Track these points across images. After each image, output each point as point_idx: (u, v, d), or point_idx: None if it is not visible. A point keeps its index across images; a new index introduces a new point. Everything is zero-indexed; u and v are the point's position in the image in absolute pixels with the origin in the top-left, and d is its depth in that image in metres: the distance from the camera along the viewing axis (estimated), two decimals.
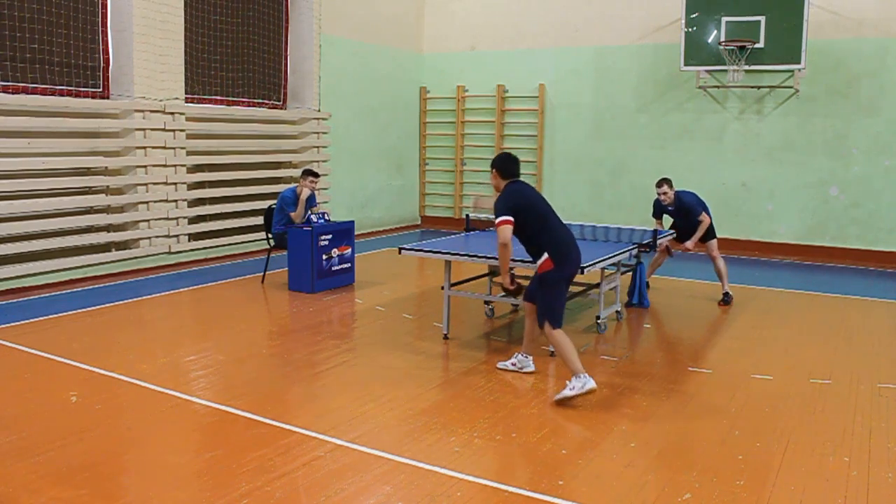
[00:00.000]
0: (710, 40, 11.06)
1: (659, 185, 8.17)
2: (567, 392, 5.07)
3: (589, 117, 12.80)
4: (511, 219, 5.32)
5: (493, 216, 5.43)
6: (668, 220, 8.56)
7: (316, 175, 8.77)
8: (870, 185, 10.96)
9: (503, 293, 6.26)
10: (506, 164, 5.56)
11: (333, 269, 8.57)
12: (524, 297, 5.80)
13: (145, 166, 9.25)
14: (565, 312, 5.85)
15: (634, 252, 7.25)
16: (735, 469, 4.17)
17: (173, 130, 9.49)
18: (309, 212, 8.67)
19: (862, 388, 5.54)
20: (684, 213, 8.18)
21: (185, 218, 9.80)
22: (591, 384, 5.05)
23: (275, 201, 8.89)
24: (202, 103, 10.23)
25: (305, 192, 8.59)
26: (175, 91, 9.55)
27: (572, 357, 5.16)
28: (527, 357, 5.77)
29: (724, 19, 10.90)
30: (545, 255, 5.32)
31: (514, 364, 5.76)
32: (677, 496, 3.84)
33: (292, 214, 8.62)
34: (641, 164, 12.37)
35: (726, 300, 8.17)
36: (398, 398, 5.15)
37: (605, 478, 4.05)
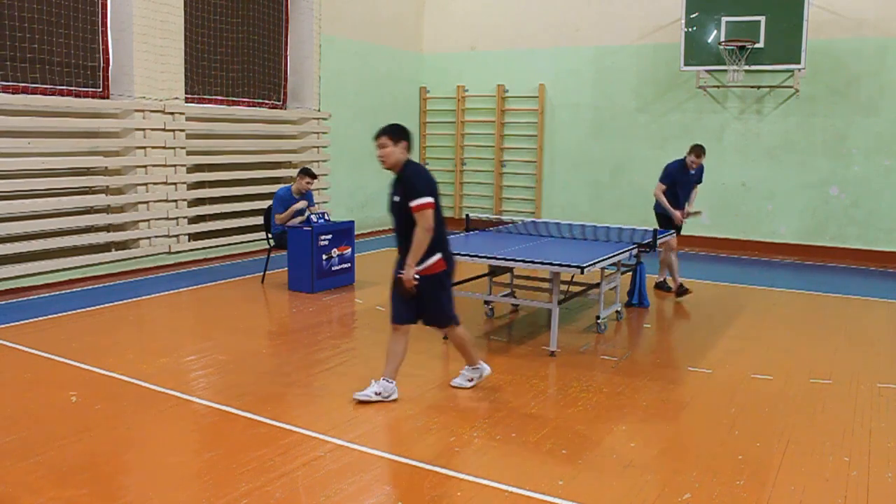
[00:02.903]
0: (709, 40, 11.06)
1: (698, 153, 8.43)
2: (466, 383, 5.37)
3: (589, 117, 12.80)
4: (434, 202, 4.84)
5: (399, 199, 4.88)
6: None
7: (314, 176, 8.71)
8: (870, 185, 10.95)
9: (397, 291, 4.99)
10: (411, 137, 4.99)
11: (333, 269, 8.57)
12: (397, 319, 5.06)
13: (145, 166, 9.25)
14: (561, 312, 5.85)
15: (634, 252, 7.25)
16: (735, 469, 4.17)
17: (173, 130, 9.49)
18: (308, 212, 8.66)
19: (862, 388, 5.54)
20: (698, 177, 8.69)
21: (184, 218, 9.80)
22: (488, 371, 5.44)
23: None
24: (202, 103, 10.23)
25: (300, 204, 8.52)
26: (175, 91, 9.55)
27: (471, 349, 5.34)
28: (475, 368, 5.41)
29: (724, 19, 10.90)
30: (438, 256, 4.92)
31: (470, 381, 5.40)
32: (677, 496, 3.84)
33: (277, 216, 8.54)
34: (641, 163, 12.37)
35: (683, 291, 8.43)
36: (398, 398, 5.15)
37: (605, 478, 4.05)
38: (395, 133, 4.89)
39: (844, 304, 8.42)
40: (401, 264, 4.95)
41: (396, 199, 4.92)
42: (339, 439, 4.45)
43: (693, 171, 8.51)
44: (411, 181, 4.85)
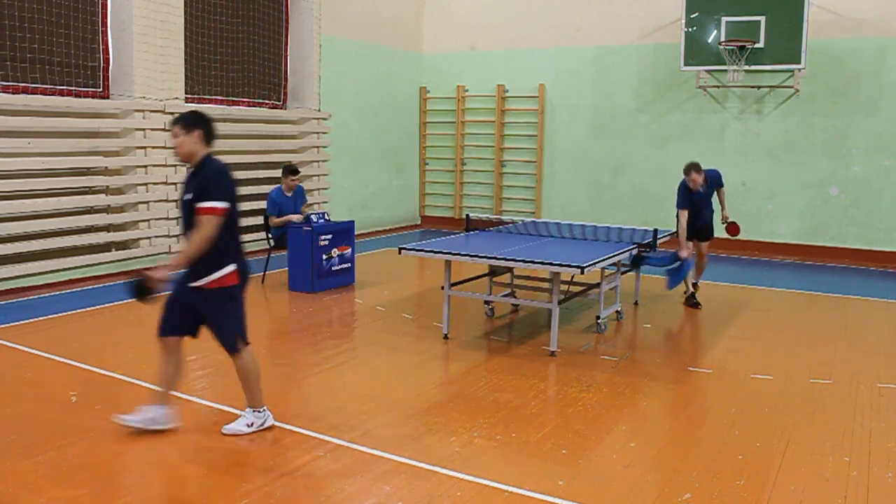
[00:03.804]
0: (710, 40, 11.06)
1: (687, 172, 7.77)
2: (244, 428, 4.49)
3: (589, 117, 12.80)
4: (227, 208, 4.22)
5: (191, 196, 4.22)
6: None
7: (295, 172, 8.72)
8: (870, 185, 10.96)
9: (145, 293, 4.53)
10: (211, 126, 4.34)
11: (333, 269, 8.57)
12: (166, 331, 4.62)
13: (145, 166, 9.24)
14: (561, 312, 5.78)
15: (634, 252, 7.24)
16: (735, 469, 4.17)
17: None
18: (304, 210, 8.71)
19: (862, 388, 5.54)
20: (711, 189, 8.02)
21: None
22: (271, 420, 4.57)
23: None
24: (202, 103, 10.22)
25: (295, 217, 8.53)
26: (175, 91, 9.54)
27: (258, 386, 4.53)
28: (258, 412, 4.56)
29: (724, 19, 10.90)
30: (231, 267, 4.41)
31: (249, 426, 4.54)
32: (677, 496, 3.84)
33: (271, 220, 8.56)
34: (641, 164, 12.37)
35: (694, 302, 8.06)
36: (398, 398, 5.15)
37: (605, 478, 4.05)
38: (189, 121, 4.29)
39: (844, 304, 8.42)
40: (186, 274, 4.39)
41: (188, 196, 4.25)
42: (339, 439, 4.45)
43: (701, 190, 7.85)
44: (206, 180, 4.22)
